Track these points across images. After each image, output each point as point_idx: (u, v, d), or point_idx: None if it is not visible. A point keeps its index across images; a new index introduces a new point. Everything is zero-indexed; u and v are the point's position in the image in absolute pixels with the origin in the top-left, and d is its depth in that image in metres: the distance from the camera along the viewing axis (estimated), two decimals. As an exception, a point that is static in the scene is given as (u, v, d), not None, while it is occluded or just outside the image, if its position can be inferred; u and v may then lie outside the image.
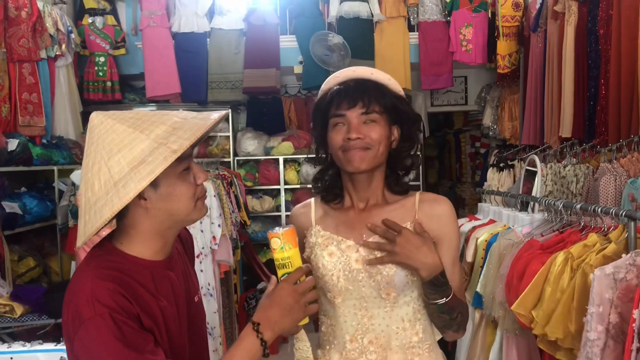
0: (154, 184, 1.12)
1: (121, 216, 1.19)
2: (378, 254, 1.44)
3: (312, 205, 1.60)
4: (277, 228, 1.33)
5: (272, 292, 1.26)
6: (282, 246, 1.31)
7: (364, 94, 1.44)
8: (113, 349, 1.07)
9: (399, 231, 1.39)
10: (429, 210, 1.50)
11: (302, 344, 1.45)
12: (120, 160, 1.09)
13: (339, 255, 1.47)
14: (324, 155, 1.58)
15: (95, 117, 1.15)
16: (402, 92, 1.52)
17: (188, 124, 1.14)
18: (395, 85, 1.51)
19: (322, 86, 1.54)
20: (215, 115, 1.19)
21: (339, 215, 1.55)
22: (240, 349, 1.21)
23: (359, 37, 5.76)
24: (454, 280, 1.49)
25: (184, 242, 1.46)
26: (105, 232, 1.27)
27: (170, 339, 1.21)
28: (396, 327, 1.47)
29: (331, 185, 1.57)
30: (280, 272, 1.32)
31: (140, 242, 1.20)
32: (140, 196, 1.13)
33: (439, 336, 1.58)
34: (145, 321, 1.15)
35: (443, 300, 1.41)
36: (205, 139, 6.24)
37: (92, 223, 1.10)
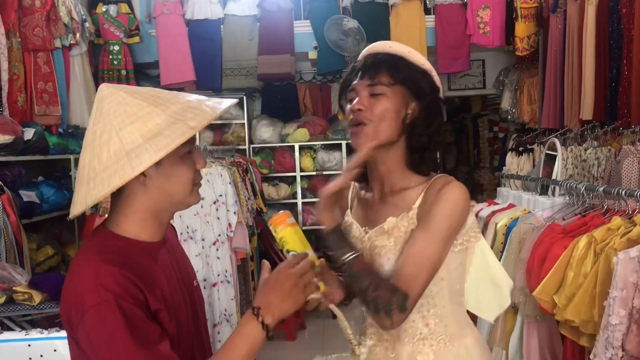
0: (157, 162, 1.10)
1: (118, 194, 1.18)
2: (379, 245, 1.39)
3: (351, 189, 1.59)
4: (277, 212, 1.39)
5: (270, 277, 1.23)
6: (274, 229, 1.36)
7: (373, 66, 1.41)
8: (118, 337, 1.06)
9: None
10: (431, 192, 1.38)
11: (342, 322, 1.42)
12: (134, 132, 1.08)
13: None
14: None
15: (106, 88, 1.15)
16: (425, 65, 1.44)
17: (200, 107, 1.14)
18: (417, 57, 1.44)
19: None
20: (225, 104, 1.19)
21: (363, 202, 1.53)
22: (242, 335, 1.18)
23: (375, 21, 5.69)
24: (405, 265, 1.32)
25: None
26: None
27: (179, 322, 1.20)
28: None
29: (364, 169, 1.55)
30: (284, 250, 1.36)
31: (135, 223, 1.19)
32: (141, 172, 1.11)
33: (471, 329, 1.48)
34: (153, 304, 1.13)
35: (350, 256, 1.32)
36: (220, 127, 6.23)
37: (97, 190, 1.09)
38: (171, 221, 1.35)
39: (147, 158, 1.06)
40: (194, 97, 1.18)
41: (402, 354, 1.40)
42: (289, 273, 1.22)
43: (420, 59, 1.44)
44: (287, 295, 1.20)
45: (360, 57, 1.49)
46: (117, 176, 1.07)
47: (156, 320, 1.14)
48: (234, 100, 1.24)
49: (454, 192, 1.36)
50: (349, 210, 1.54)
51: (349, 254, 1.33)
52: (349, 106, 1.44)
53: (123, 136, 1.08)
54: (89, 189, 1.10)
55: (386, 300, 1.29)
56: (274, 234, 1.36)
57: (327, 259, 1.41)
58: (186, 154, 1.17)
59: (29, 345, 2.13)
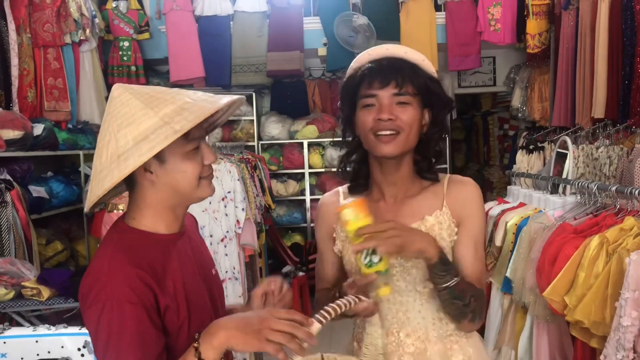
0: (161, 160, 1.15)
1: (132, 189, 1.23)
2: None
3: (340, 195, 1.55)
4: (343, 201, 1.33)
5: (252, 310, 1.24)
6: (356, 215, 1.27)
7: (398, 73, 1.37)
8: (116, 337, 1.09)
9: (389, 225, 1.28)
10: (456, 193, 1.46)
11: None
12: (127, 134, 1.12)
13: None
14: (349, 138, 1.51)
15: (116, 89, 1.19)
16: (435, 74, 1.45)
17: (196, 106, 1.15)
18: (429, 66, 1.44)
19: (353, 64, 1.47)
20: (225, 100, 1.20)
21: (369, 207, 1.46)
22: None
23: (385, 18, 5.65)
24: (474, 265, 1.42)
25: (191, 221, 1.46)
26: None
27: (193, 312, 1.22)
28: (432, 318, 1.43)
29: (356, 175, 1.52)
30: (357, 241, 1.26)
31: (151, 216, 1.23)
32: (147, 169, 1.17)
33: None
34: (163, 300, 1.16)
35: (454, 281, 1.32)
36: (229, 123, 6.22)
37: (94, 192, 1.15)
38: None
39: (131, 162, 1.10)
40: (194, 97, 1.19)
41: (433, 353, 1.42)
42: (265, 316, 1.10)
43: (432, 68, 1.44)
44: (244, 330, 1.08)
45: (371, 56, 1.44)
46: (108, 179, 1.12)
47: (163, 318, 1.16)
48: (234, 97, 1.24)
49: (478, 192, 1.48)
50: None
51: (452, 280, 1.33)
52: (363, 114, 1.40)
53: (118, 139, 1.13)
54: (91, 189, 1.17)
55: (481, 305, 1.41)
56: (352, 219, 1.26)
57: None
58: (192, 150, 1.19)
59: (37, 342, 2.13)
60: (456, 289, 1.34)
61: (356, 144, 1.49)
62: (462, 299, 1.35)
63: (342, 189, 1.57)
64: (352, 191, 1.53)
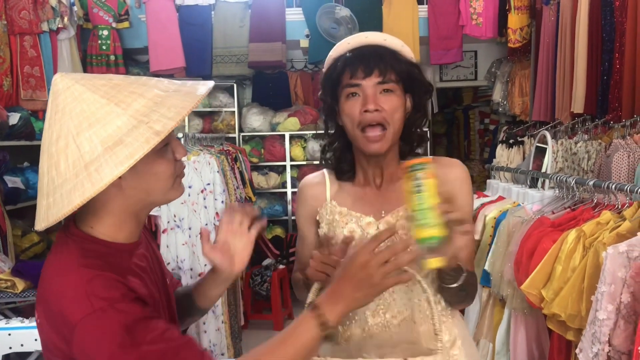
0: None
1: None
2: (399, 230, 1.36)
3: (326, 179, 1.52)
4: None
5: (348, 262, 1.09)
6: (425, 171, 1.16)
7: (380, 61, 1.35)
8: (121, 341, 0.95)
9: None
10: (442, 176, 1.37)
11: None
12: (92, 138, 0.95)
13: (359, 233, 1.42)
14: (332, 130, 1.50)
15: (60, 80, 1.00)
16: (414, 59, 1.44)
17: (171, 100, 1.00)
18: (409, 51, 1.43)
19: (331, 53, 1.45)
20: (202, 90, 1.05)
21: (355, 191, 1.49)
22: (295, 336, 1.05)
23: (367, 10, 5.64)
24: (464, 249, 1.39)
25: None
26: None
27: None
28: (418, 299, 1.42)
29: (340, 160, 1.50)
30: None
31: (112, 225, 1.07)
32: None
33: None
34: None
35: (463, 278, 1.32)
36: (210, 114, 6.18)
37: (57, 208, 0.96)
38: (157, 209, 1.28)
39: (107, 173, 0.93)
40: (162, 87, 1.03)
41: (421, 333, 1.41)
42: (366, 260, 1.06)
43: (411, 54, 1.43)
44: (358, 287, 1.07)
45: (350, 45, 1.42)
46: (78, 193, 0.94)
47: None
48: (210, 85, 1.08)
49: (465, 173, 1.50)
50: (334, 202, 1.49)
51: (461, 277, 1.33)
52: (348, 106, 1.37)
53: (81, 143, 0.95)
54: (49, 204, 0.98)
55: (474, 288, 1.46)
56: (417, 176, 1.16)
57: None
58: (163, 147, 1.04)
59: (9, 335, 2.10)
60: (460, 286, 1.34)
61: (339, 133, 1.48)
62: (465, 291, 1.39)
63: (327, 171, 1.54)
64: (337, 177, 1.51)
